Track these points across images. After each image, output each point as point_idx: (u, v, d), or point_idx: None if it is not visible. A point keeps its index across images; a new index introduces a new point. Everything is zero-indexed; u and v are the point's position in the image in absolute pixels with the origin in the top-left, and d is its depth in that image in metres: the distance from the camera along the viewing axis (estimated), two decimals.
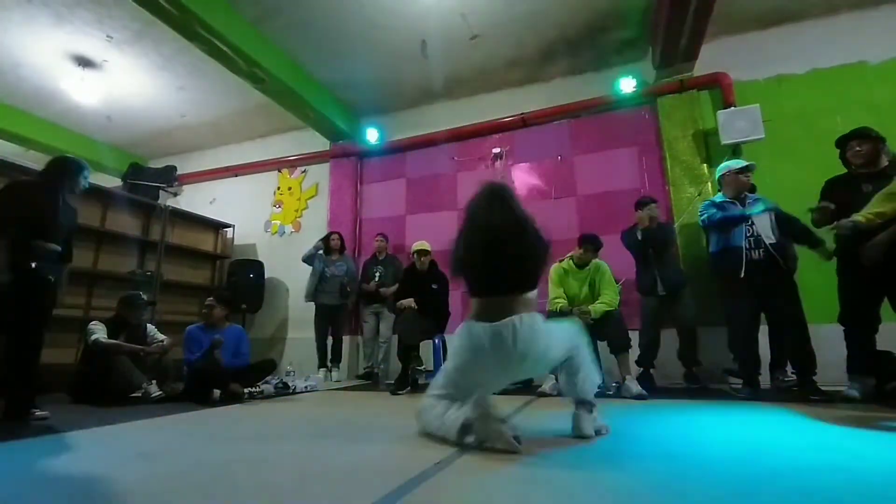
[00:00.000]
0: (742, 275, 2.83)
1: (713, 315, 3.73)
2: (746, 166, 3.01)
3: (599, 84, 4.67)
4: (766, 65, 4.18)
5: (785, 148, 3.91)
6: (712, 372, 3.59)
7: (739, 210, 2.95)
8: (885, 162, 2.63)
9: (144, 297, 3.64)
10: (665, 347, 3.69)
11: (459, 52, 4.56)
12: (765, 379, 3.02)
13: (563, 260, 3.48)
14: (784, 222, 2.93)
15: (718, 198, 3.12)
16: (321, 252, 4.94)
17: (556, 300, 3.32)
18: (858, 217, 2.32)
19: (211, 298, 3.65)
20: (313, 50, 4.53)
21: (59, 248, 2.52)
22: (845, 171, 2.79)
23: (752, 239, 2.87)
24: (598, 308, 3.15)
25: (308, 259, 4.95)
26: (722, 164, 3.15)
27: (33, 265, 2.40)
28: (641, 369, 3.49)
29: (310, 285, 4.79)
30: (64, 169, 2.63)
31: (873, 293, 2.55)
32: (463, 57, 4.63)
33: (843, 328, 2.65)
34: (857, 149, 2.67)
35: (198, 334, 3.45)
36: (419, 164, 5.42)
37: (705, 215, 3.07)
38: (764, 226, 2.88)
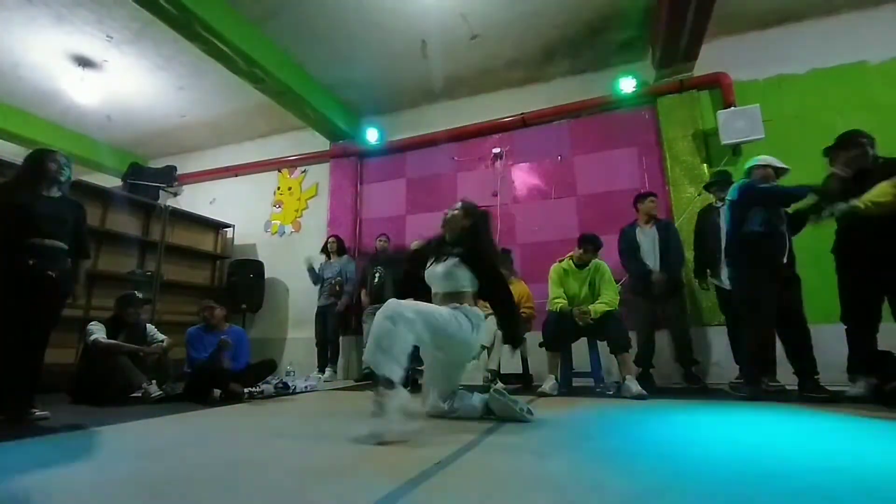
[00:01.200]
0: (785, 261, 2.76)
1: (712, 315, 3.76)
2: (784, 169, 2.92)
3: (599, 84, 4.67)
4: (766, 65, 4.18)
5: (785, 148, 3.89)
6: (711, 372, 3.60)
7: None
8: (870, 162, 2.62)
9: (139, 295, 3.64)
10: (664, 348, 3.70)
11: (459, 52, 4.56)
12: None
13: (562, 260, 3.48)
14: None
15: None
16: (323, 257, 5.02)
17: (556, 300, 3.32)
18: (857, 203, 2.34)
19: (209, 300, 3.63)
20: (313, 50, 4.53)
21: (63, 246, 2.50)
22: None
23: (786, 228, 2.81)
24: (598, 308, 3.15)
25: (315, 278, 5.01)
26: (762, 156, 3.00)
27: (31, 262, 2.37)
28: (640, 369, 3.50)
29: (319, 292, 4.92)
30: (31, 163, 2.55)
31: (873, 292, 2.54)
32: (463, 57, 4.63)
33: (844, 328, 2.65)
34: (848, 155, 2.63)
35: (199, 335, 3.45)
36: (419, 164, 5.42)
37: (759, 186, 2.80)
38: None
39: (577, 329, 3.21)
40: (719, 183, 3.49)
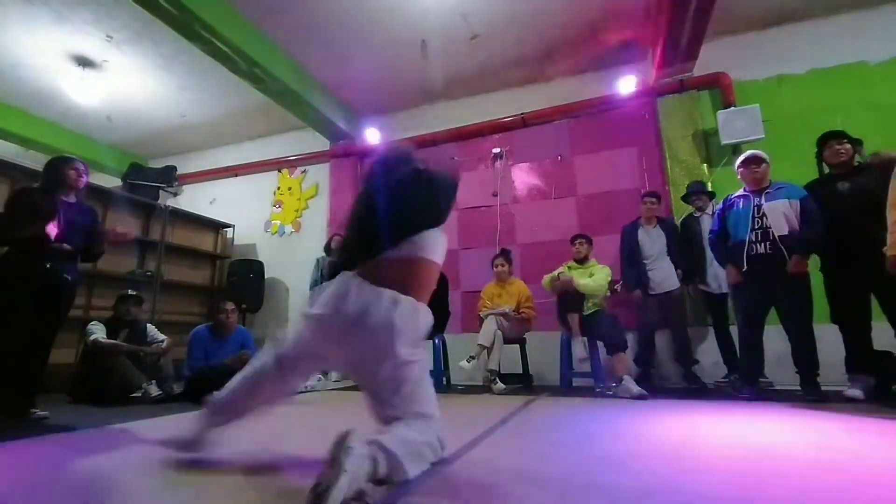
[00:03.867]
0: (744, 269, 2.79)
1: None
2: (746, 158, 2.93)
3: (599, 84, 4.67)
4: (766, 65, 4.18)
5: (785, 148, 3.90)
6: (711, 372, 3.61)
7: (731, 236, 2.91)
8: (855, 162, 2.74)
9: (132, 293, 3.63)
10: (664, 348, 3.71)
11: (459, 52, 4.55)
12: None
13: (565, 264, 3.70)
14: (803, 214, 2.74)
15: (736, 193, 2.99)
16: (321, 256, 4.96)
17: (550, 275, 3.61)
18: None
19: (231, 303, 3.62)
20: (313, 50, 4.53)
21: (67, 247, 2.53)
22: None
23: (758, 231, 2.77)
24: (581, 282, 3.38)
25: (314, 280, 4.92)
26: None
27: (48, 265, 2.43)
28: (640, 369, 3.51)
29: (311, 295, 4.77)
30: (49, 168, 2.63)
31: (859, 289, 2.58)
32: (463, 57, 4.63)
33: (838, 327, 2.67)
34: (838, 147, 2.73)
35: (207, 338, 3.43)
36: None
37: (710, 236, 3.12)
38: (777, 217, 2.74)
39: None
40: (694, 193, 3.70)
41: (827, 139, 2.81)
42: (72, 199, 2.65)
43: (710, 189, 3.84)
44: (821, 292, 2.80)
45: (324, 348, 1.40)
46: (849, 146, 2.71)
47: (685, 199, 3.82)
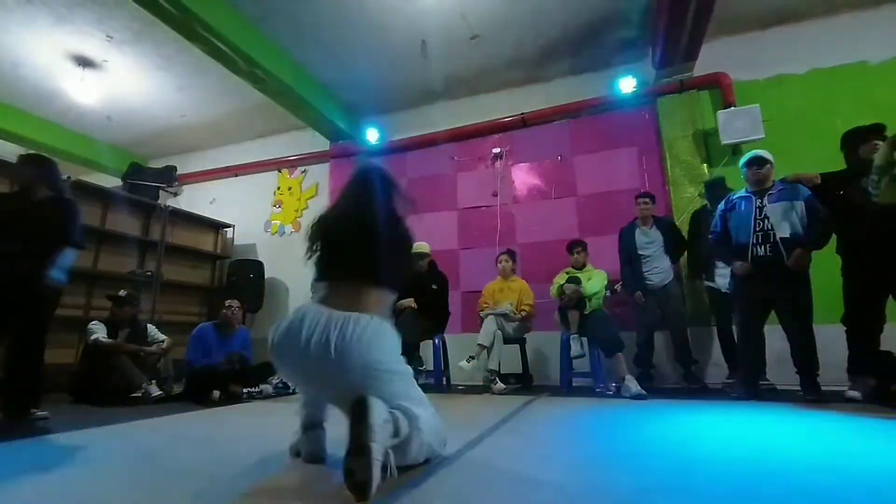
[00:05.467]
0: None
1: (711, 315, 3.76)
2: (749, 159, 2.90)
3: (599, 84, 4.67)
4: (766, 65, 4.18)
5: (785, 148, 3.89)
6: (711, 372, 3.61)
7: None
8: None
9: (123, 293, 3.63)
10: (664, 348, 3.71)
11: (459, 52, 4.55)
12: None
13: (563, 271, 3.74)
14: (808, 214, 2.70)
15: (738, 194, 2.96)
16: None
17: (556, 283, 3.64)
18: None
19: (236, 301, 3.71)
20: (313, 50, 4.53)
21: (19, 248, 2.43)
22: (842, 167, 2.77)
23: (759, 234, 2.76)
24: (587, 289, 3.45)
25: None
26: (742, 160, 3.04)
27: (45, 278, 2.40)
28: (640, 369, 3.51)
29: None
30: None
31: (877, 292, 2.54)
32: (463, 57, 4.63)
33: (845, 328, 2.64)
34: (878, 143, 2.53)
35: (210, 334, 3.48)
36: (419, 164, 5.41)
37: (711, 237, 3.06)
38: (778, 218, 2.72)
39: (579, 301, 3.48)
40: (718, 189, 3.50)
41: (867, 133, 2.65)
42: (42, 194, 2.57)
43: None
44: (821, 293, 2.80)
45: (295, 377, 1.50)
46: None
47: (709, 195, 3.62)
